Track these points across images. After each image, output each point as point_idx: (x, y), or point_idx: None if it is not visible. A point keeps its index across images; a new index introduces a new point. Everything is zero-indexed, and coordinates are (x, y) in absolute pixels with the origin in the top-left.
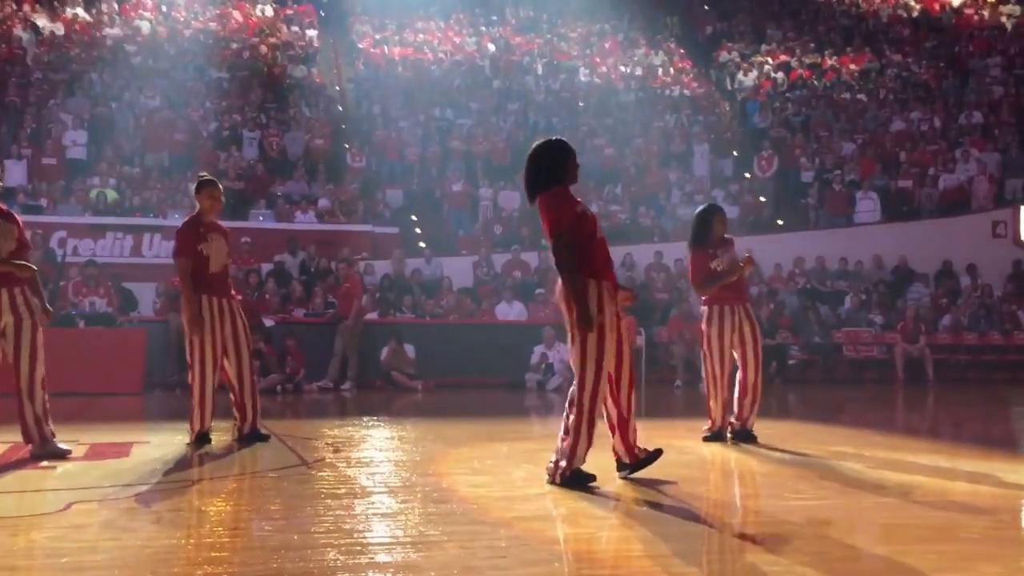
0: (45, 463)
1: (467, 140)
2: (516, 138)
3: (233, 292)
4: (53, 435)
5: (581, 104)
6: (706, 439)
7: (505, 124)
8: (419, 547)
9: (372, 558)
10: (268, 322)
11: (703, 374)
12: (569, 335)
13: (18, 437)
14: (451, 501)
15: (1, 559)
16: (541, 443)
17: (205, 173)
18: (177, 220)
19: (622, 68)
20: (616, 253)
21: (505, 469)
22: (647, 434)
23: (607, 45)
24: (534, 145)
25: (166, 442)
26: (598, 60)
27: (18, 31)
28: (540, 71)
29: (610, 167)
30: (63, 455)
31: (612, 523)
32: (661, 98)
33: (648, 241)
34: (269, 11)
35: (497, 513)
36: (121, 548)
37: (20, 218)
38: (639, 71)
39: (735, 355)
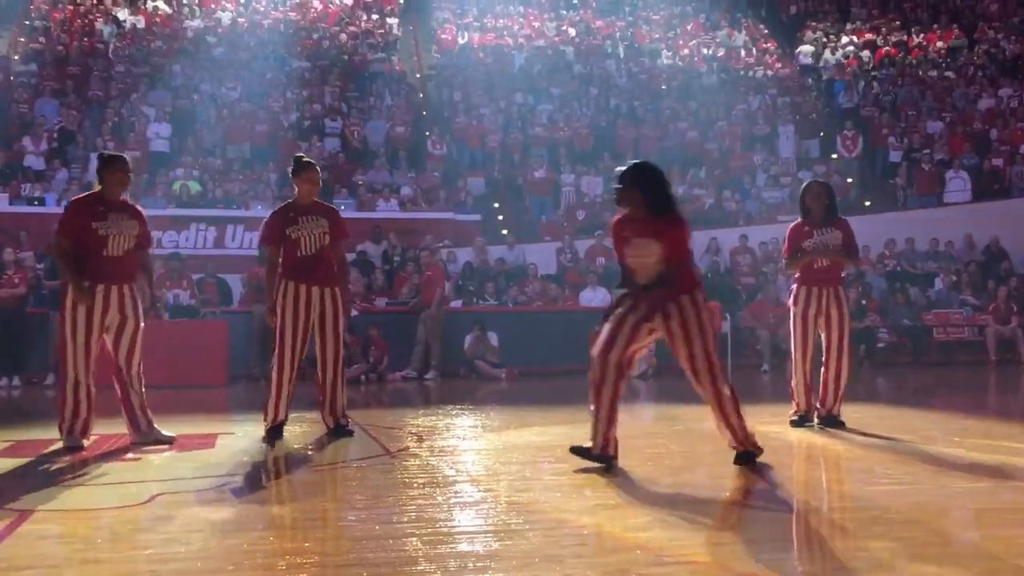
0: (130, 455)
1: (548, 126)
2: (598, 123)
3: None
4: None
5: (663, 87)
6: (793, 424)
7: (587, 109)
8: (501, 536)
9: (454, 547)
10: (351, 312)
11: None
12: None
13: (104, 430)
14: (534, 489)
15: (85, 551)
16: (625, 430)
17: (303, 154)
18: (259, 211)
19: (704, 50)
20: (700, 238)
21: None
22: None
23: (689, 27)
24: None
25: (251, 434)
26: (680, 43)
27: (100, 25)
28: (622, 55)
29: (693, 150)
30: (169, 441)
31: (698, 510)
32: (744, 80)
33: (733, 225)
34: (349, 0)
35: (580, 501)
36: (204, 540)
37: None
38: (722, 53)
39: (821, 338)
